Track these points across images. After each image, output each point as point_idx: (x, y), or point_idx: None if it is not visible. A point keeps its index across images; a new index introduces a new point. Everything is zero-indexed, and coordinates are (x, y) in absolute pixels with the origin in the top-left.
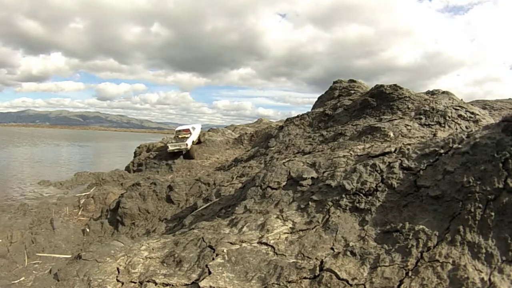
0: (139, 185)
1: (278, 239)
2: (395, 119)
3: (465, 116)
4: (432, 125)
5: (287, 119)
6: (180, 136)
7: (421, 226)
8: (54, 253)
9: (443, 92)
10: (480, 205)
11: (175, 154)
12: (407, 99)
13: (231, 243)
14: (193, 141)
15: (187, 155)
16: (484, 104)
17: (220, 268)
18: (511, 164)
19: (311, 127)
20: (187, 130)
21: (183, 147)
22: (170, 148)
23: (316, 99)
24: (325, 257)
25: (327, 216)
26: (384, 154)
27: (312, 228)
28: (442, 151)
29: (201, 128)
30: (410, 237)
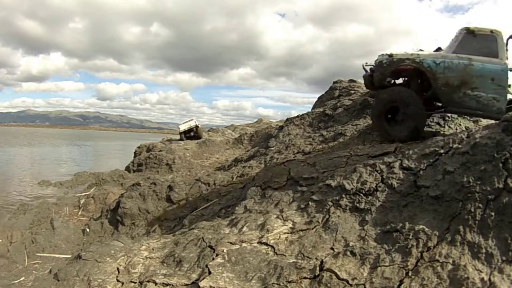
0: (139, 185)
1: (278, 239)
2: None
3: (465, 116)
4: (432, 125)
5: (287, 119)
6: (186, 122)
7: (421, 226)
8: (54, 253)
9: None
10: (480, 205)
11: (185, 135)
12: None
13: (231, 243)
14: (196, 124)
15: (196, 136)
16: None
17: (220, 268)
18: (511, 164)
19: (311, 127)
20: (190, 119)
21: (192, 124)
22: (182, 128)
23: (316, 99)
24: (325, 257)
25: (327, 216)
26: (384, 154)
27: (312, 228)
28: (442, 151)
29: (200, 126)
30: (410, 237)
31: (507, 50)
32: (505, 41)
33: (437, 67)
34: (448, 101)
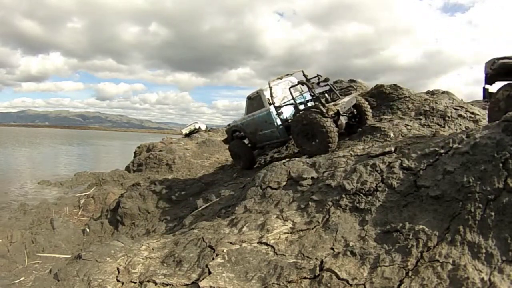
0: (139, 185)
1: (278, 239)
2: (395, 119)
3: (465, 116)
4: (432, 125)
5: None
6: (188, 126)
7: (421, 226)
8: (54, 253)
9: (443, 92)
10: (480, 205)
11: (188, 136)
12: (407, 99)
13: (231, 243)
14: (199, 127)
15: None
16: (484, 104)
17: (220, 268)
18: (511, 164)
19: None
20: (194, 122)
21: (193, 128)
22: (184, 131)
23: None
24: (325, 257)
25: (327, 216)
26: (384, 154)
27: (312, 228)
28: (442, 151)
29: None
30: (410, 237)
31: (271, 97)
32: (266, 94)
33: (242, 125)
34: (256, 141)
